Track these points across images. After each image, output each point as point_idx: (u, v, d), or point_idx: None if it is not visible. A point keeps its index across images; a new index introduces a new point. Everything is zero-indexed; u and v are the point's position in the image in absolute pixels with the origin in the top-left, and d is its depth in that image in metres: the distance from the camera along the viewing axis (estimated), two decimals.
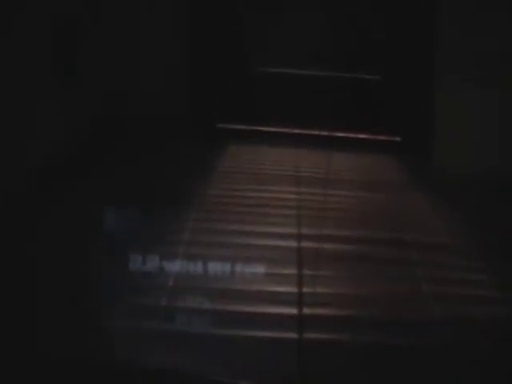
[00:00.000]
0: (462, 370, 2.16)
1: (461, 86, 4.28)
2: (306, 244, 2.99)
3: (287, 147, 4.49)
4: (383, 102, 4.68)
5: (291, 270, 2.72)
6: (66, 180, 3.40)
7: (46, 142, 3.48)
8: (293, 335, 2.29)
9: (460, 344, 2.32)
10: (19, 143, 3.17)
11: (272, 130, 4.62)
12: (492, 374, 2.15)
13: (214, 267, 2.67)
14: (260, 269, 2.70)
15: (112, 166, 3.78)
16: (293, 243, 3.00)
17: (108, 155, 3.92)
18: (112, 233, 2.56)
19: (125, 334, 2.24)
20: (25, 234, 2.85)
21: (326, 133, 4.61)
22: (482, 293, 2.79)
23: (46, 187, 3.25)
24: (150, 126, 4.29)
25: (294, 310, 2.43)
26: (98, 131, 4.08)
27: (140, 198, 3.19)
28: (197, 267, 2.70)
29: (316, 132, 4.62)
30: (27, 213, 3.01)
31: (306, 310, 2.43)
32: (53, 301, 2.38)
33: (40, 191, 3.20)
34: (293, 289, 2.58)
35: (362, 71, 4.75)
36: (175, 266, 2.68)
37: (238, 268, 2.67)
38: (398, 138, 4.66)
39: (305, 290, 2.58)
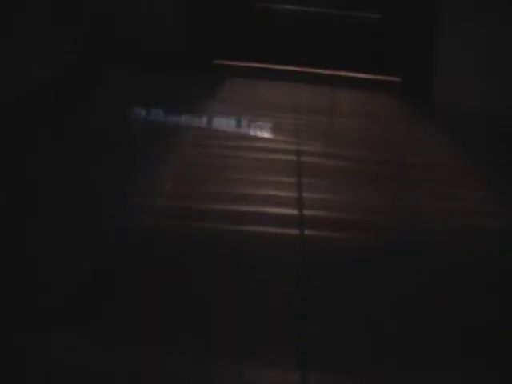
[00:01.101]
0: (459, 276, 2.16)
1: (461, 24, 4.25)
2: (305, 159, 2.99)
3: (287, 84, 4.47)
4: (384, 41, 4.65)
5: (291, 179, 2.72)
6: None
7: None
8: (295, 231, 2.29)
9: (458, 251, 2.32)
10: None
11: (271, 67, 4.60)
12: (488, 282, 2.15)
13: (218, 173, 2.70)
14: (261, 176, 2.72)
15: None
16: (292, 157, 3.00)
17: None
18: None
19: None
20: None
21: (325, 71, 4.59)
22: (482, 207, 2.80)
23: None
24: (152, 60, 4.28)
25: (295, 211, 2.43)
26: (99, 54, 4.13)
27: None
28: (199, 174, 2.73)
29: (316, 70, 4.59)
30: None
31: (306, 212, 2.44)
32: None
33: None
34: (293, 194, 2.59)
35: (362, 9, 4.71)
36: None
37: (241, 175, 2.70)
38: (398, 79, 4.63)
39: (305, 195, 2.59)
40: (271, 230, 2.28)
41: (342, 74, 4.60)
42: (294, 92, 4.31)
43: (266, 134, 3.24)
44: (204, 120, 3.33)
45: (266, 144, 3.16)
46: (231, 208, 2.42)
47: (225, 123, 3.28)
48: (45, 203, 2.33)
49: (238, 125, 3.27)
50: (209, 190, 2.57)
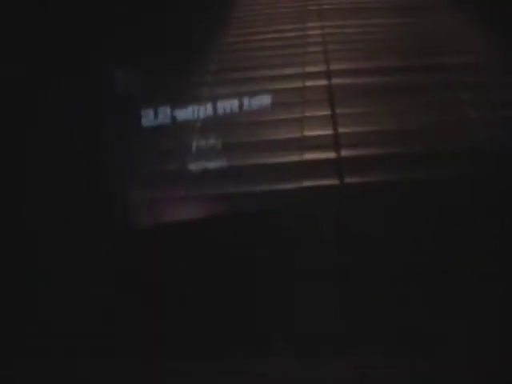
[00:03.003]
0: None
1: None
2: (336, 81, 2.71)
3: None
4: None
5: (323, 112, 2.47)
6: None
7: None
8: (333, 181, 2.08)
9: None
10: None
11: None
12: None
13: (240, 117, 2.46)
14: (289, 114, 2.48)
15: None
16: (322, 82, 2.73)
17: None
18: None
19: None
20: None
21: None
22: None
23: None
24: None
25: (331, 154, 2.21)
26: None
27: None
28: (221, 118, 2.49)
29: None
30: None
31: (345, 152, 2.21)
32: None
33: None
34: (328, 131, 2.35)
35: None
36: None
37: (266, 116, 2.45)
38: None
39: (341, 130, 2.34)
40: None
41: None
42: None
43: None
44: None
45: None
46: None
47: None
48: None
49: None
50: None
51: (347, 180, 2.06)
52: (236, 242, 1.86)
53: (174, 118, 2.20)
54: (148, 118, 2.16)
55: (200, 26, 3.23)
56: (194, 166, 2.18)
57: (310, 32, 3.25)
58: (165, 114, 2.19)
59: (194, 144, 2.33)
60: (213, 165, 2.16)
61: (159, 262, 1.82)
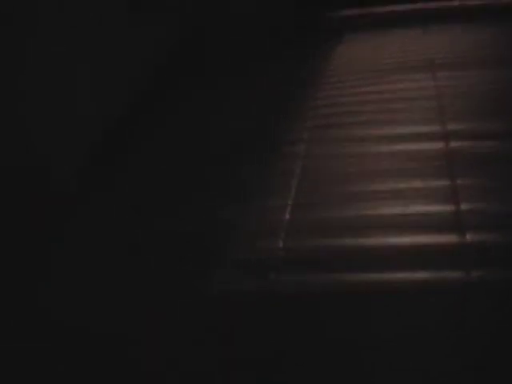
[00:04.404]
0: None
1: None
2: (455, 145, 2.34)
3: (411, 27, 3.74)
4: None
5: (442, 182, 2.11)
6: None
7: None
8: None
9: None
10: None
11: (390, 9, 3.87)
12: None
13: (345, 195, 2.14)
14: (401, 184, 2.13)
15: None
16: (438, 145, 2.37)
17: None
18: None
19: None
20: None
21: (456, 2, 3.82)
22: None
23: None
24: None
25: (453, 238, 1.85)
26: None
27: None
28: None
29: (444, 3, 3.83)
30: None
31: (469, 237, 1.84)
32: None
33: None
34: (449, 207, 1.99)
35: None
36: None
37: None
38: None
39: (462, 207, 1.98)
40: None
41: (475, 2, 3.80)
42: (420, 39, 3.58)
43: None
44: None
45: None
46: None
47: None
48: None
49: None
50: None
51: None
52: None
53: None
54: None
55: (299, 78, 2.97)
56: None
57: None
58: None
59: None
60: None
61: None
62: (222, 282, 1.79)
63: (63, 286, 1.89)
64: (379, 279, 1.70)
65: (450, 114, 2.57)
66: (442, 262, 1.73)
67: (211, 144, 2.63)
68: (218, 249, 1.93)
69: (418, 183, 2.11)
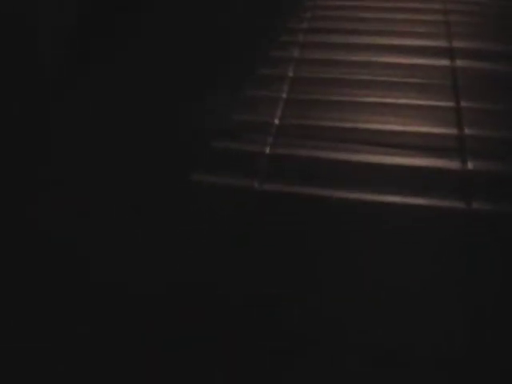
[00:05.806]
0: None
1: None
2: (461, 64, 2.16)
3: None
4: None
5: (446, 103, 1.94)
6: None
7: None
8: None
9: None
10: None
11: None
12: None
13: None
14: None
15: None
16: (443, 62, 2.18)
17: None
18: None
19: None
20: None
21: None
22: None
23: None
24: None
25: (455, 164, 1.70)
26: None
27: None
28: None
29: None
30: None
31: (470, 165, 1.69)
32: None
33: None
34: (452, 130, 1.83)
35: None
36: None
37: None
38: None
39: (466, 131, 1.82)
40: None
41: None
42: None
43: None
44: None
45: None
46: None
47: None
48: None
49: None
50: None
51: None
52: None
53: None
54: None
55: None
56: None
57: None
58: None
59: None
60: None
61: None
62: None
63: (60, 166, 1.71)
64: (376, 200, 1.55)
65: (457, 30, 2.38)
66: (443, 189, 1.59)
67: (199, 39, 2.40)
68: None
69: (419, 100, 1.94)
